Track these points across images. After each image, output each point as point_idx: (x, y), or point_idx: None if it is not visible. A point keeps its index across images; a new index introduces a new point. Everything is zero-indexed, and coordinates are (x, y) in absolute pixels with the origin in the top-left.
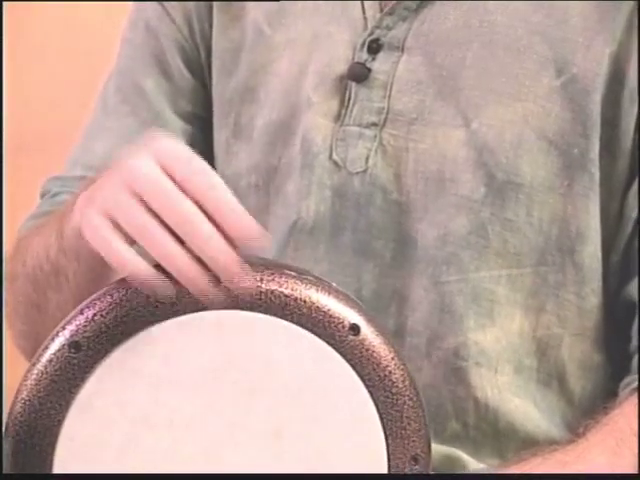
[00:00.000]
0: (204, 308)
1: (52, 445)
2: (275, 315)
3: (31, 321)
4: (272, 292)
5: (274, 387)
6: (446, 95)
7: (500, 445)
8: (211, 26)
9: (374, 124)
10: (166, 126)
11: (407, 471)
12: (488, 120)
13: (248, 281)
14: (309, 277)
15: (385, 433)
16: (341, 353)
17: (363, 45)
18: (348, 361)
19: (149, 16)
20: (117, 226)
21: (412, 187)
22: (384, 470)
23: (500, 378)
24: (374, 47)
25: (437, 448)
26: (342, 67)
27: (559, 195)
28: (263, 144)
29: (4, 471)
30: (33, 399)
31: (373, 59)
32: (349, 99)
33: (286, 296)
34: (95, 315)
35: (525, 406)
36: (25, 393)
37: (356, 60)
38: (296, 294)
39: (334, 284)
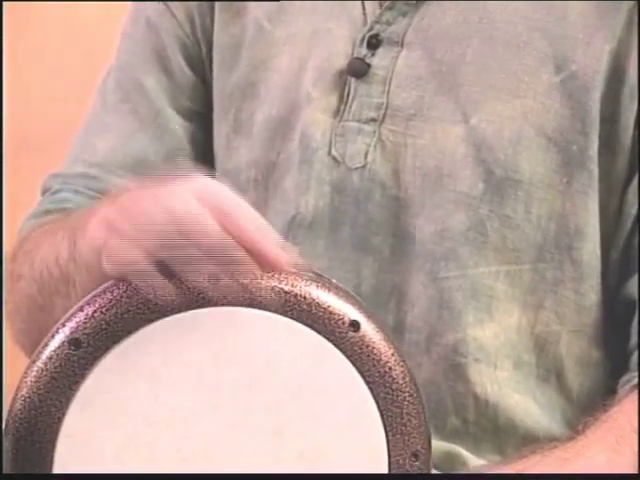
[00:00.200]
0: (204, 305)
1: (52, 442)
2: (275, 312)
3: (33, 320)
4: (272, 289)
5: (274, 384)
6: (445, 91)
7: (500, 441)
8: (212, 21)
9: (373, 120)
10: (166, 123)
11: (407, 467)
12: (487, 116)
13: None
14: (309, 273)
15: (385, 429)
16: (341, 349)
17: (362, 40)
18: (348, 357)
19: (150, 12)
20: (155, 260)
21: (411, 183)
22: (384, 466)
23: (500, 374)
24: (373, 42)
25: (437, 444)
26: (341, 62)
27: (558, 192)
28: (263, 139)
29: (4, 470)
30: (33, 396)
31: (372, 54)
32: (348, 94)
33: (286, 292)
34: (95, 312)
35: (525, 402)
36: (25, 390)
37: (355, 55)
38: (296, 290)
39: (334, 280)
